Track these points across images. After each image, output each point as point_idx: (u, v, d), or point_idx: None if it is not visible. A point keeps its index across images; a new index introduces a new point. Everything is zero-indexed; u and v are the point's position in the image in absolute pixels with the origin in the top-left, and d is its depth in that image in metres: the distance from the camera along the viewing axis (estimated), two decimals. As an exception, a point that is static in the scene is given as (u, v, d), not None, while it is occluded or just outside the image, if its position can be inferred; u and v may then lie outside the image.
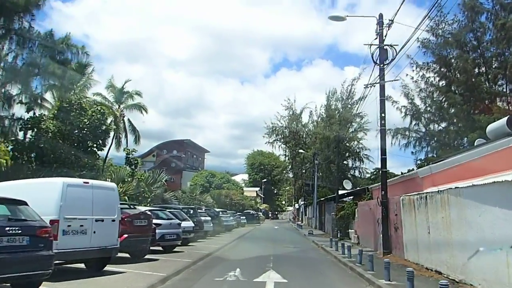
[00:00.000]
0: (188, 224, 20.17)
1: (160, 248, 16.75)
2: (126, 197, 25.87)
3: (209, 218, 25.71)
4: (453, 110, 29.65)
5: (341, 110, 59.93)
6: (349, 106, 58.67)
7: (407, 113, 33.49)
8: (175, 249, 17.27)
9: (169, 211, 20.41)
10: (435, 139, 32.43)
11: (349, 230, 25.57)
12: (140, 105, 49.61)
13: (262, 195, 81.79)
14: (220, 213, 33.52)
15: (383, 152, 16.55)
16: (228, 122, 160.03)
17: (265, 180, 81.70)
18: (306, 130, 64.13)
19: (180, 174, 76.85)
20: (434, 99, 31.55)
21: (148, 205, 23.92)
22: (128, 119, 49.40)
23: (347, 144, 59.63)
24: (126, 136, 49.02)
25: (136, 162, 29.44)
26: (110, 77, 50.20)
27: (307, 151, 59.21)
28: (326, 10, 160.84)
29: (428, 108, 33.09)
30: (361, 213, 21.14)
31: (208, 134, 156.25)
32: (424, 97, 32.86)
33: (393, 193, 15.95)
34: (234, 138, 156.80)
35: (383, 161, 16.47)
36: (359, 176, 60.00)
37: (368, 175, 62.87)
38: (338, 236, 26.56)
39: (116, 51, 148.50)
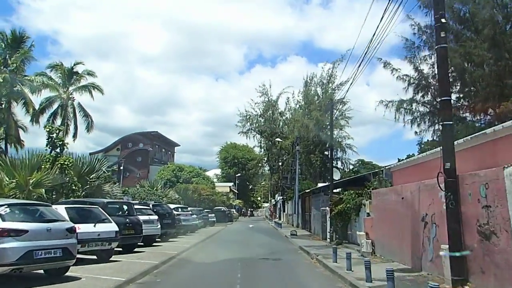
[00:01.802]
0: (106, 227, 12.06)
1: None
2: (43, 190, 17.77)
3: (154, 218, 17.56)
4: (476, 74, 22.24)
5: (321, 95, 52.75)
6: (330, 91, 51.57)
7: (411, 82, 26.01)
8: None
9: (80, 207, 12.53)
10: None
11: (350, 232, 17.81)
12: (93, 86, 41.09)
13: (236, 191, 73.60)
14: (180, 210, 25.35)
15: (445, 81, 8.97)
16: (201, 119, 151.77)
17: (239, 174, 73.46)
18: (284, 118, 56.46)
19: (147, 169, 68.08)
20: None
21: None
22: (79, 103, 40.88)
23: (328, 133, 52.48)
24: (75, 123, 40.48)
25: (61, 143, 21.07)
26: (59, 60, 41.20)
27: (284, 141, 51.47)
28: (301, 5, 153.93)
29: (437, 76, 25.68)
30: (378, 206, 13.36)
31: (181, 132, 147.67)
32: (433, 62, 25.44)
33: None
34: (208, 135, 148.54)
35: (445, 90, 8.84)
36: (341, 168, 52.80)
37: (351, 167, 56.06)
38: (334, 239, 18.81)
39: (86, 47, 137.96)
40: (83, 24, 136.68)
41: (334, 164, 54.94)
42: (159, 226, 17.63)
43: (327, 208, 21.55)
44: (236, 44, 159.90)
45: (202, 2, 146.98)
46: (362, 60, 16.81)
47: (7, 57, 33.23)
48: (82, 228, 11.29)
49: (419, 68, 25.67)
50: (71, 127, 39.81)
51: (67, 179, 20.04)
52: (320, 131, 50.11)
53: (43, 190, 17.80)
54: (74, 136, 40.40)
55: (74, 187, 20.43)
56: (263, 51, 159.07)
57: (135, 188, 36.08)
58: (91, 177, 23.19)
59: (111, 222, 12.54)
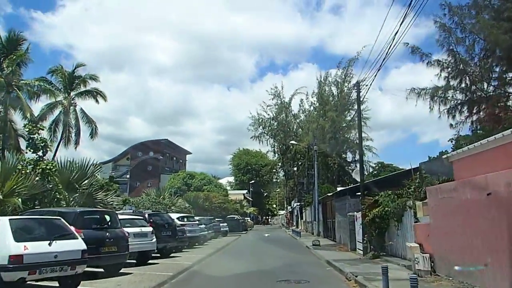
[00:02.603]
0: (68, 246, 8.65)
1: None
2: (19, 200, 14.48)
3: (148, 230, 14.09)
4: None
5: (336, 95, 49.05)
6: (346, 90, 47.86)
7: (444, 67, 22.24)
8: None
9: (33, 219, 9.22)
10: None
11: (391, 242, 14.07)
12: (96, 91, 38.11)
13: (250, 198, 69.83)
14: (185, 219, 21.89)
15: None
16: (215, 128, 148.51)
17: (253, 181, 69.74)
18: (298, 121, 52.80)
19: (158, 178, 65.01)
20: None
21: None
22: (81, 109, 37.87)
23: (346, 135, 48.63)
24: (78, 130, 37.48)
25: (43, 144, 17.84)
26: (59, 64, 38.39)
27: (299, 144, 47.71)
28: (311, 12, 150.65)
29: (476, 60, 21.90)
30: (439, 208, 9.61)
31: (195, 141, 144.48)
32: (472, 41, 21.73)
33: None
34: (221, 144, 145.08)
35: None
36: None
37: (371, 169, 51.84)
38: (369, 250, 15.08)
39: (100, 60, 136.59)
40: (96, 37, 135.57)
41: (352, 167, 51.38)
42: (154, 239, 14.14)
43: (355, 213, 17.88)
44: (247, 52, 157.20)
45: (213, 11, 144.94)
46: (388, 50, 13.41)
47: (2, 60, 30.43)
48: (31, 248, 7.96)
49: (454, 50, 21.97)
50: (73, 135, 36.85)
51: (50, 186, 16.80)
52: (337, 133, 46.45)
53: (19, 199, 14.49)
54: (76, 143, 37.35)
55: (58, 196, 17.13)
56: (275, 58, 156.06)
57: (140, 197, 32.82)
58: (82, 184, 20.01)
59: (77, 239, 9.12)
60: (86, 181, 20.41)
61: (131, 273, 11.61)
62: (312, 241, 21.53)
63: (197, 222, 22.44)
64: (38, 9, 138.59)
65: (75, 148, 37.02)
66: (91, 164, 21.47)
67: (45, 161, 17.22)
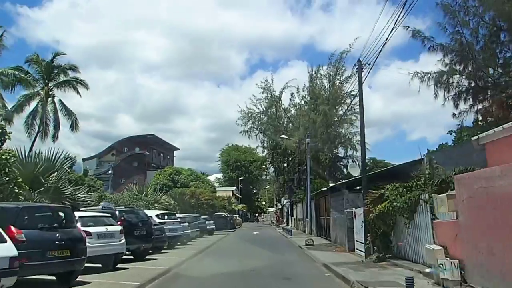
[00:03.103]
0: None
1: None
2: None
3: (115, 229, 11.81)
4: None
5: (328, 89, 47.02)
6: (338, 83, 45.90)
7: (447, 52, 20.30)
8: None
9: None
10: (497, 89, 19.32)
11: (401, 243, 11.99)
12: (76, 80, 35.61)
13: (239, 195, 67.56)
14: (166, 217, 19.68)
15: None
16: (205, 125, 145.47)
17: (242, 178, 67.45)
18: (288, 115, 50.62)
19: (144, 174, 62.42)
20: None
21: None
22: (60, 100, 35.33)
23: (338, 129, 46.66)
24: (56, 123, 34.92)
25: (1, 131, 15.45)
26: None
27: (289, 139, 45.47)
28: (302, 9, 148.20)
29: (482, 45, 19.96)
30: (474, 202, 7.53)
31: (185, 138, 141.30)
32: (476, 25, 19.81)
33: None
34: (211, 141, 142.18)
35: None
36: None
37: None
38: (373, 251, 13.00)
39: (88, 57, 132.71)
40: (84, 33, 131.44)
41: (344, 163, 49.47)
42: (123, 240, 11.88)
43: (354, 210, 15.84)
44: (237, 49, 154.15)
45: (203, 8, 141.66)
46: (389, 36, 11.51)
47: (-30, 46, 27.91)
48: None
49: (460, 31, 20.03)
50: (51, 128, 34.30)
51: (7, 179, 14.47)
52: (328, 127, 44.41)
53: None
54: (55, 137, 34.81)
55: (17, 190, 14.76)
56: (265, 55, 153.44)
57: (120, 193, 30.46)
58: (48, 178, 17.75)
59: (5, 242, 6.88)
60: (54, 174, 18.22)
61: (89, 283, 9.37)
62: (305, 240, 19.42)
63: (178, 220, 20.18)
64: (24, 4, 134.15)
65: (54, 141, 34.55)
66: (61, 157, 19.28)
67: (1, 151, 14.84)
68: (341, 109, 45.71)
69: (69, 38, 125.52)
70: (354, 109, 45.02)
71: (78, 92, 35.35)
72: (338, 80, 45.17)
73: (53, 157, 17.95)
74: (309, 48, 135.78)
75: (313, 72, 47.02)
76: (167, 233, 17.84)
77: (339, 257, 14.12)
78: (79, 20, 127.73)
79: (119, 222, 13.34)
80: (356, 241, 15.59)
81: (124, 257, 13.10)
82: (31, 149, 25.94)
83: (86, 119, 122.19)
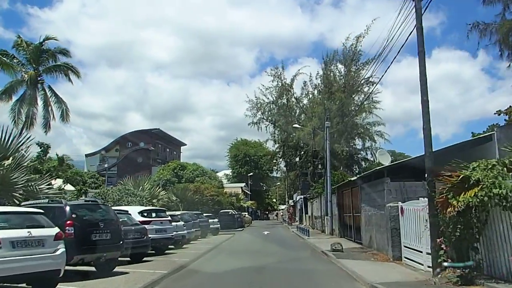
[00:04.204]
0: None
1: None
2: None
3: (48, 234, 7.42)
4: None
5: (344, 75, 42.36)
6: (354, 69, 41.21)
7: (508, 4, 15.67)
8: None
9: None
10: None
11: (499, 253, 7.43)
12: (66, 66, 31.54)
13: (248, 192, 63.02)
14: (153, 215, 15.30)
15: None
16: (214, 123, 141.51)
17: (251, 174, 62.84)
18: (301, 105, 45.91)
19: (149, 170, 58.18)
20: None
21: None
22: (50, 87, 31.29)
23: (355, 119, 41.94)
24: (47, 110, 30.84)
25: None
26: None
27: (302, 130, 40.82)
28: (312, 6, 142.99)
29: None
30: None
31: (195, 137, 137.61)
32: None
33: None
34: (221, 139, 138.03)
35: None
36: (372, 159, 42.14)
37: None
38: (442, 265, 8.38)
39: (98, 56, 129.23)
40: (94, 33, 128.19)
41: (362, 156, 44.78)
42: (60, 250, 7.49)
43: (400, 204, 11.26)
44: (247, 47, 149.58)
45: (212, 6, 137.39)
46: None
47: None
48: None
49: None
50: (39, 117, 30.15)
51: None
52: (345, 117, 39.73)
53: None
54: (46, 127, 30.61)
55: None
56: (274, 53, 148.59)
57: (108, 188, 26.26)
58: (3, 164, 13.68)
59: None
60: (9, 161, 14.06)
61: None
62: (329, 244, 14.79)
63: (168, 218, 15.73)
64: (34, 5, 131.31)
65: (45, 132, 30.40)
66: (20, 139, 15.16)
67: None
68: (358, 98, 41.17)
69: (79, 38, 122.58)
70: (372, 98, 40.53)
71: (69, 79, 31.31)
72: (354, 66, 40.57)
73: (4, 139, 13.74)
74: (319, 45, 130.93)
75: (328, 58, 42.40)
76: (152, 235, 13.47)
77: (388, 272, 9.57)
78: (89, 19, 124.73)
79: (68, 222, 9.02)
80: (405, 247, 11.03)
81: (80, 267, 8.85)
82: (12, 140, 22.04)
83: (96, 119, 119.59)
